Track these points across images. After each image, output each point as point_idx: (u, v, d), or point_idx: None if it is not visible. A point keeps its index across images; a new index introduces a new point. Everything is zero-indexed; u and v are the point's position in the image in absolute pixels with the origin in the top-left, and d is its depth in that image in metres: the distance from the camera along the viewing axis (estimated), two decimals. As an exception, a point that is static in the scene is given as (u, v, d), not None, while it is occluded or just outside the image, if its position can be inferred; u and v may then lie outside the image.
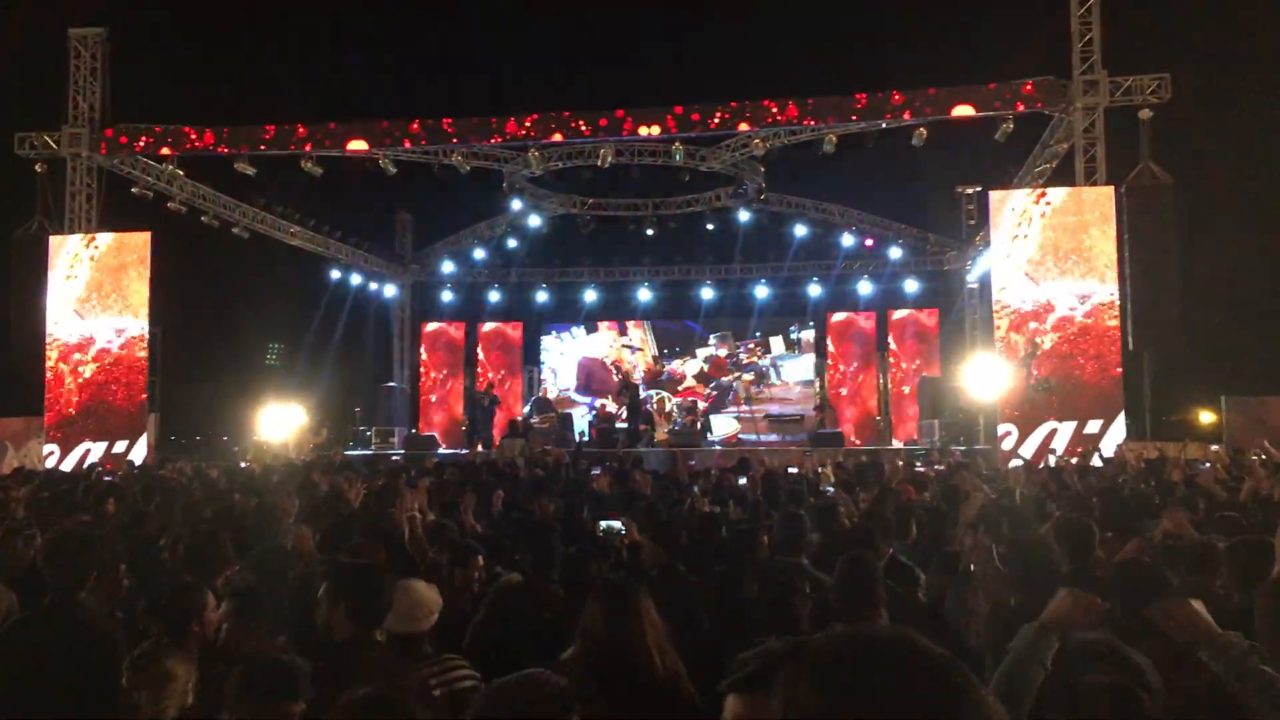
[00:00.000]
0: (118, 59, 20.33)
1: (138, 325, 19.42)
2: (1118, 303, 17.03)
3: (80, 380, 19.33)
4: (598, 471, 12.03)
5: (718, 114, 19.16)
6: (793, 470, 12.31)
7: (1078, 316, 17.11)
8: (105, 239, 19.55)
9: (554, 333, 28.67)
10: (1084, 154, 17.76)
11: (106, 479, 11.99)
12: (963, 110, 18.28)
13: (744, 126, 19.58)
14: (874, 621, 3.79)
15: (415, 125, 19.81)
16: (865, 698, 1.12)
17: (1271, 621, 3.06)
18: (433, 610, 3.99)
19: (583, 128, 19.40)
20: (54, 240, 19.54)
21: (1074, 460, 13.42)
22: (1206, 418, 26.78)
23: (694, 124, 19.30)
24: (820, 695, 1.15)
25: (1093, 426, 16.84)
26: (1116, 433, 16.74)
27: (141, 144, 19.98)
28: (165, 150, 20.00)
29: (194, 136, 19.89)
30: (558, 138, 19.77)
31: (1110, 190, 17.36)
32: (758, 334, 27.74)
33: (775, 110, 18.99)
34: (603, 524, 6.83)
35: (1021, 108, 18.14)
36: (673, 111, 19.16)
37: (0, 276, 19.97)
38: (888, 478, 9.51)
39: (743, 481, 10.57)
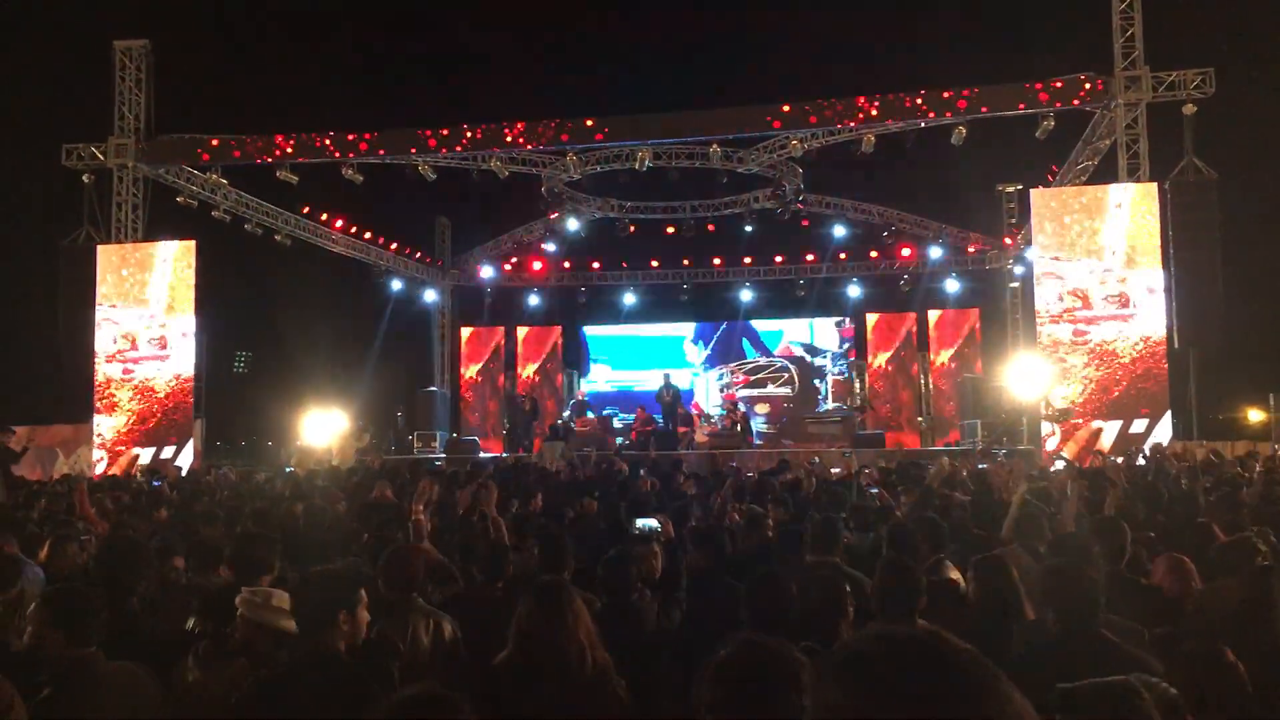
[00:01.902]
0: (161, 70, 20.66)
1: (187, 331, 19.74)
2: (1163, 300, 16.84)
3: (133, 386, 19.62)
4: (642, 473, 12.04)
5: (755, 114, 19.23)
6: (836, 471, 12.28)
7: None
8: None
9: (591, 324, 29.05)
10: (1126, 150, 17.55)
11: (155, 483, 12.19)
12: (1004, 108, 18.15)
13: (780, 126, 19.57)
14: (913, 624, 3.76)
15: (454, 129, 19.95)
16: (893, 697, 1.12)
17: None
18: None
19: (619, 130, 19.59)
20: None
21: (1119, 460, 13.26)
22: (1255, 416, 26.32)
23: (731, 124, 19.42)
24: (848, 695, 1.15)
25: (1139, 425, 16.64)
26: (1163, 432, 16.52)
27: (186, 154, 20.28)
28: (209, 158, 20.26)
29: (236, 145, 20.15)
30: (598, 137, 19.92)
31: (1154, 187, 17.15)
32: (801, 332, 27.69)
33: (811, 110, 18.94)
34: (639, 522, 6.77)
35: (1063, 104, 17.95)
36: (710, 113, 19.26)
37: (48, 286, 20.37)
38: (932, 478, 9.41)
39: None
